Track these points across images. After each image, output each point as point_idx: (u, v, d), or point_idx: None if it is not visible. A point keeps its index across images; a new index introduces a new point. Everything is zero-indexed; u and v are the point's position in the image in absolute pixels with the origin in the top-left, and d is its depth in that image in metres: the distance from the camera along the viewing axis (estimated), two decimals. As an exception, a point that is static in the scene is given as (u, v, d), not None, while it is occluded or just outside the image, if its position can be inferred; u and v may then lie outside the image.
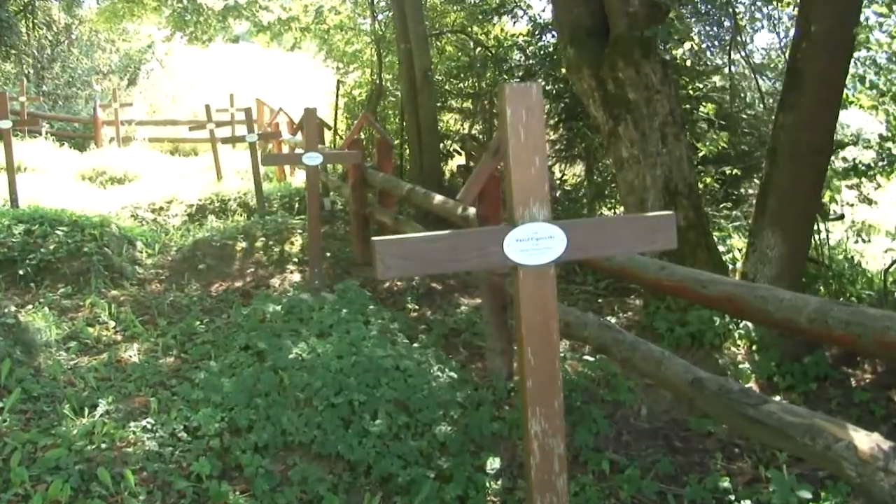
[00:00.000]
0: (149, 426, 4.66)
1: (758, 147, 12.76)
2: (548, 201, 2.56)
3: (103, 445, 4.42)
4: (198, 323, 7.03)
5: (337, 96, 16.72)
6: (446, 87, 15.07)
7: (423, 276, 9.04)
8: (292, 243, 9.76)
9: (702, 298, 3.74)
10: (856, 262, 7.38)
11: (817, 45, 5.58)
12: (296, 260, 9.31)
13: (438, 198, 6.91)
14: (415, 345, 6.13)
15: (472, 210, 6.07)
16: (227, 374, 5.32)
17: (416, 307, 7.97)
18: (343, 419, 4.55)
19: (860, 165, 6.52)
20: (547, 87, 13.57)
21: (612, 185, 15.00)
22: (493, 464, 4.47)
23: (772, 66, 11.15)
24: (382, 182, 8.75)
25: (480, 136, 14.88)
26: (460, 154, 14.15)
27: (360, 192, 9.21)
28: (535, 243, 2.54)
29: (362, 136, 13.75)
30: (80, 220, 8.99)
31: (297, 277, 8.93)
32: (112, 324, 6.96)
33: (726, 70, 10.56)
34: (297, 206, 12.55)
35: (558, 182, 14.05)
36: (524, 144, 2.50)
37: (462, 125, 16.14)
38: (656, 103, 6.89)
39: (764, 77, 10.60)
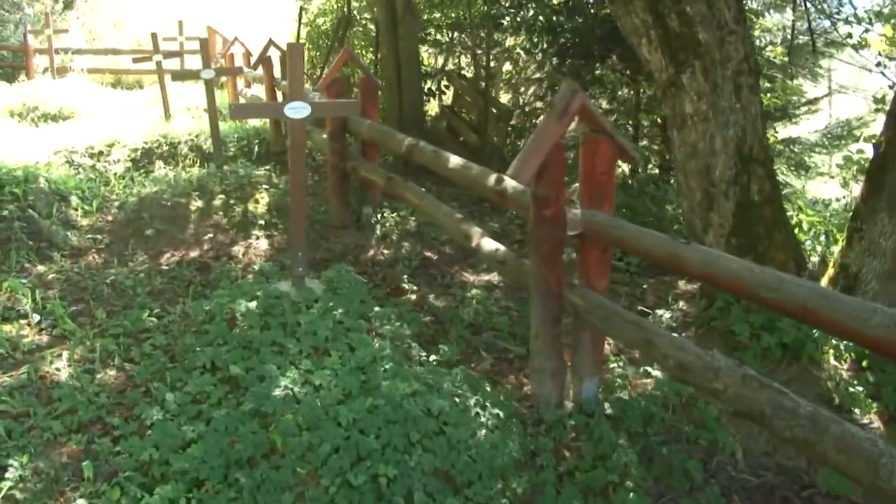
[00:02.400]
0: (79, 512, 3.21)
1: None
2: None
3: (9, 551, 2.98)
4: (146, 315, 5.53)
5: (299, 25, 14.94)
6: (425, 16, 13.41)
7: (413, 242, 7.62)
8: (257, 202, 8.21)
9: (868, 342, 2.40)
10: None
11: None
12: (262, 223, 7.78)
13: (454, 160, 5.43)
14: (433, 358, 4.73)
15: (510, 182, 4.63)
16: (190, 413, 3.88)
17: (414, 286, 6.53)
18: (367, 509, 3.15)
19: None
20: (540, 19, 12.03)
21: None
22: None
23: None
24: (370, 132, 7.20)
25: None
26: (444, 93, 12.58)
27: (340, 142, 7.66)
28: None
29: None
30: (-3, 173, 7.36)
31: (264, 245, 7.43)
32: (36, 318, 5.42)
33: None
34: (256, 149, 10.95)
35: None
36: None
37: (436, 60, 14.52)
38: (729, 46, 5.45)
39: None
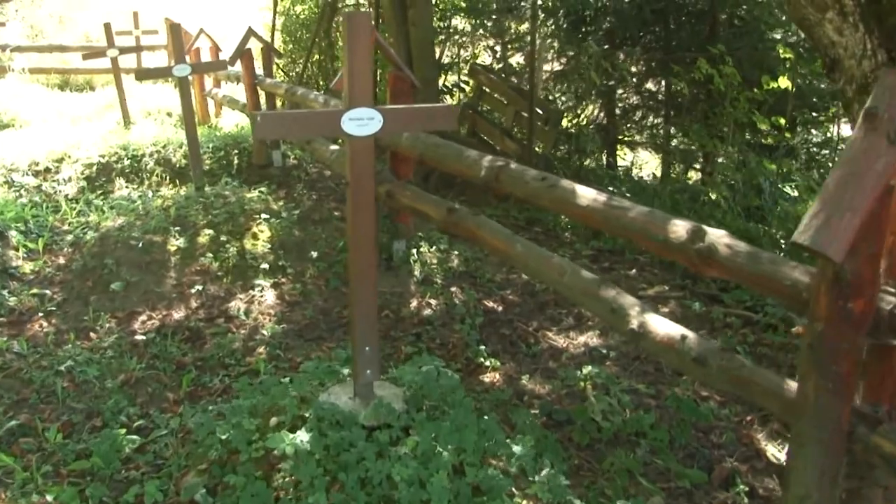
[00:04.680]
0: None
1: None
2: None
3: None
4: (122, 433, 3.68)
5: (274, 14, 13.02)
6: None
7: (466, 287, 5.83)
8: (255, 237, 6.32)
9: None
10: None
11: None
12: (265, 266, 5.91)
13: (588, 194, 3.60)
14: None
15: (717, 237, 2.88)
16: None
17: (495, 360, 4.73)
18: None
19: None
20: None
21: (628, 128, 11.98)
22: None
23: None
24: (415, 146, 5.28)
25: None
26: (464, 91, 10.74)
27: (366, 158, 5.79)
28: None
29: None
30: None
31: (270, 297, 5.59)
32: (-48, 447, 3.54)
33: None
34: (235, 162, 9.03)
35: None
36: None
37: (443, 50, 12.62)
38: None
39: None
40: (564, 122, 10.74)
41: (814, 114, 9.51)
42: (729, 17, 9.99)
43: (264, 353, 4.74)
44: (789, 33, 9.87)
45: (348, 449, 2.89)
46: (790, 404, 2.65)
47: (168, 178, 8.48)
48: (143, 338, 4.89)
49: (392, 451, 2.90)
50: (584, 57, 9.01)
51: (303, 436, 3.00)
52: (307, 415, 3.17)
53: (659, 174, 11.19)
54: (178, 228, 6.24)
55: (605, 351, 4.92)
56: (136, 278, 5.60)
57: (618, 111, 11.51)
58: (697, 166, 10.63)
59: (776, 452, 3.84)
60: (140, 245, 5.92)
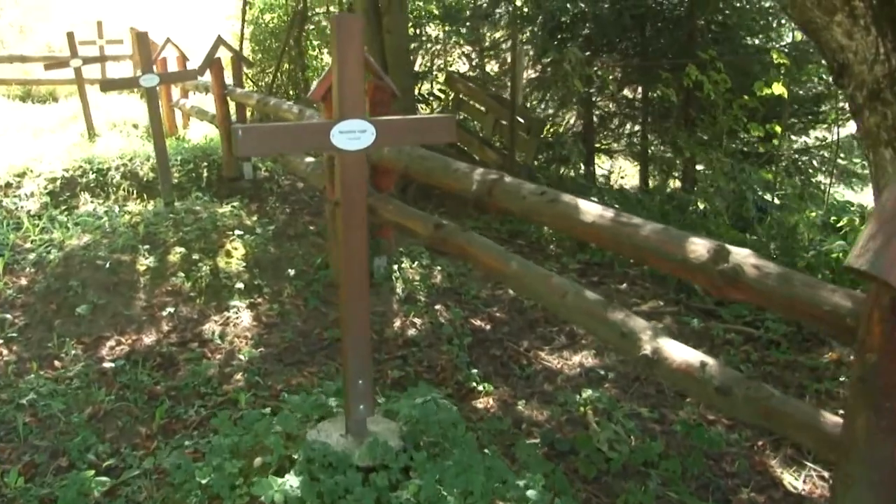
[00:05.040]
0: None
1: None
2: None
3: None
4: (90, 475, 3.38)
5: (243, 23, 12.69)
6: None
7: (451, 305, 5.59)
8: (229, 255, 6.02)
9: None
10: None
11: None
12: (240, 286, 5.61)
13: (594, 210, 3.34)
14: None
15: (742, 257, 2.65)
16: None
17: (488, 384, 4.47)
18: None
19: None
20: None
21: (605, 135, 11.83)
22: None
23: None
24: (399, 158, 5.02)
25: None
26: (441, 100, 10.49)
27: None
28: None
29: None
30: None
31: (246, 319, 5.30)
32: None
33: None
34: (205, 175, 8.74)
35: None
36: None
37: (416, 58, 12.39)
38: None
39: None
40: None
41: (793, 120, 9.39)
42: (707, 23, 9.84)
43: (242, 381, 4.45)
44: (766, 39, 9.76)
45: (344, 496, 2.63)
46: (830, 440, 2.42)
47: (135, 192, 8.14)
48: (112, 365, 4.58)
49: (392, 497, 2.63)
50: (566, 64, 8.78)
51: (292, 480, 2.72)
52: (295, 455, 2.90)
53: (637, 183, 11.04)
54: (147, 246, 5.92)
55: (602, 372, 4.69)
56: (103, 301, 5.28)
57: (595, 119, 11.35)
58: (676, 174, 10.49)
59: (793, 480, 3.62)
60: (107, 265, 5.60)
